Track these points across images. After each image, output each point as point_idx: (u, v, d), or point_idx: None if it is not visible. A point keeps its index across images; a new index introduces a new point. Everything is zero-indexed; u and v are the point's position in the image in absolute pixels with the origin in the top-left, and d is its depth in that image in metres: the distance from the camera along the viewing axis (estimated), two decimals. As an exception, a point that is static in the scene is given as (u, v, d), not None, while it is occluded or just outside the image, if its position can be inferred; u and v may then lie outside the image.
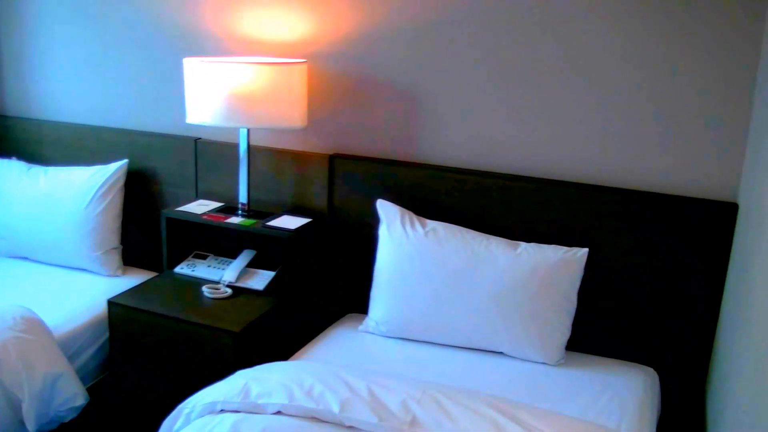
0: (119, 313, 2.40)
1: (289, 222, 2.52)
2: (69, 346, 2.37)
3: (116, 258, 2.82)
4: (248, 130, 2.52)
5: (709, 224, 2.15)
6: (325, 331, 2.41)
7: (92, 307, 2.53)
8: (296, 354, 2.23)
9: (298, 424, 1.71)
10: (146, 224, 2.91)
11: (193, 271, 2.63)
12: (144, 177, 2.89)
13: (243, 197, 2.59)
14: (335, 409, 1.70)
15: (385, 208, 2.40)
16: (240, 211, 2.59)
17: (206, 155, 2.77)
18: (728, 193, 2.16)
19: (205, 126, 2.47)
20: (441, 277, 2.24)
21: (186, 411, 1.84)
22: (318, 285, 2.63)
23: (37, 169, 2.90)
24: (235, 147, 2.60)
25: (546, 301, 2.18)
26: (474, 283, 2.21)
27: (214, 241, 2.76)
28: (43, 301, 2.47)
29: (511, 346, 2.22)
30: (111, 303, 2.42)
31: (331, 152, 2.61)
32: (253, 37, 2.64)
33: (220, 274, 2.57)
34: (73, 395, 2.25)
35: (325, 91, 2.58)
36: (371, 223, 2.44)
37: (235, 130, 2.55)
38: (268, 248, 2.65)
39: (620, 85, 2.21)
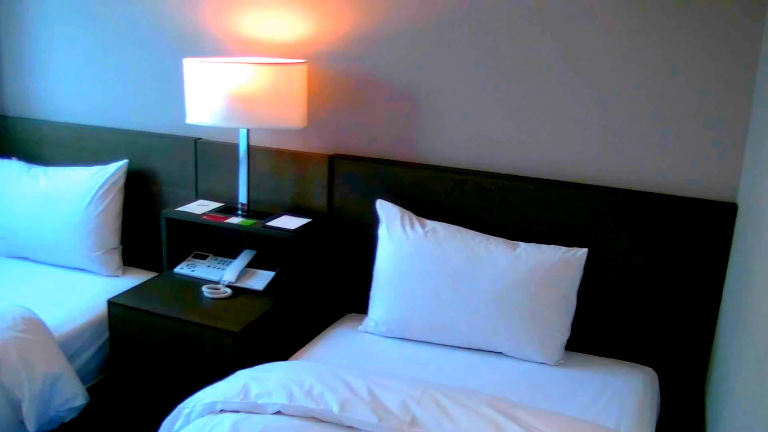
0: (119, 313, 2.40)
1: (289, 222, 2.52)
2: (69, 346, 2.37)
3: (116, 258, 2.82)
4: (248, 130, 2.52)
5: (709, 224, 2.15)
6: (325, 331, 2.41)
7: (92, 307, 2.53)
8: (296, 354, 2.24)
9: (297, 424, 1.71)
10: (146, 224, 2.91)
11: (193, 271, 2.63)
12: (144, 177, 2.89)
13: (243, 197, 2.59)
14: (335, 409, 1.70)
15: (384, 209, 2.41)
16: (240, 212, 2.59)
17: (206, 155, 2.77)
18: (728, 193, 2.16)
19: (205, 126, 2.47)
20: (441, 277, 2.24)
21: (186, 411, 1.84)
22: (318, 285, 2.63)
23: (37, 169, 2.90)
24: (235, 147, 2.60)
25: (545, 301, 2.19)
26: (474, 283, 2.21)
27: (214, 241, 2.76)
28: (43, 301, 2.47)
29: (511, 346, 2.22)
30: (111, 303, 2.42)
31: (330, 152, 2.61)
32: (253, 38, 2.64)
33: (220, 274, 2.57)
34: (73, 395, 2.25)
35: (325, 91, 2.58)
36: (371, 223, 2.45)
37: (235, 130, 2.55)
38: (268, 248, 2.65)
39: (620, 85, 2.21)
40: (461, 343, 2.27)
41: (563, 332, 2.22)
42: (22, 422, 2.13)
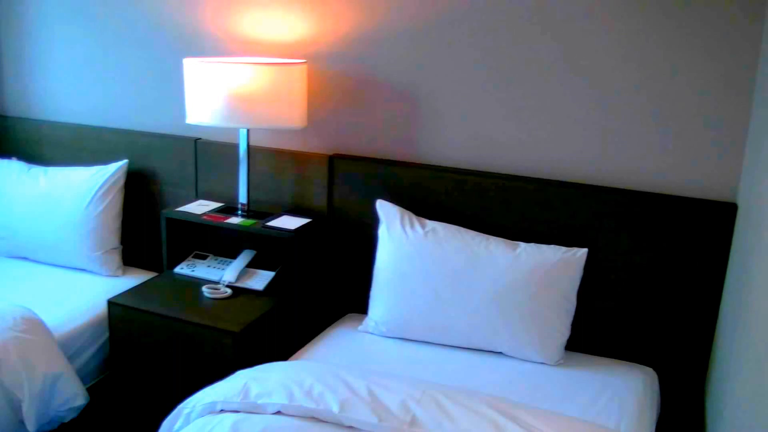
0: (119, 313, 2.40)
1: (289, 222, 2.52)
2: (69, 346, 2.37)
3: (116, 258, 2.82)
4: (248, 131, 2.52)
5: (709, 224, 2.15)
6: (325, 331, 2.41)
7: (92, 307, 2.53)
8: (296, 354, 2.24)
9: (297, 424, 1.71)
10: (146, 224, 2.91)
11: (193, 271, 2.63)
12: (144, 177, 2.89)
13: (243, 197, 2.59)
14: (335, 409, 1.70)
15: (384, 209, 2.41)
16: (240, 212, 2.59)
17: (206, 155, 2.77)
18: (728, 193, 2.16)
19: (205, 126, 2.47)
20: (441, 277, 2.24)
21: (186, 411, 1.84)
22: (318, 285, 2.63)
23: (37, 169, 2.90)
24: (235, 147, 2.60)
25: (545, 301, 2.19)
26: (474, 283, 2.21)
27: (214, 241, 2.76)
28: (43, 301, 2.47)
29: (511, 346, 2.22)
30: (111, 303, 2.42)
31: (330, 152, 2.61)
32: (253, 38, 2.64)
33: (220, 275, 2.57)
34: (73, 395, 2.25)
35: (325, 91, 2.58)
36: (371, 223, 2.45)
37: (235, 130, 2.55)
38: (268, 248, 2.65)
39: (620, 85, 2.21)
40: (461, 343, 2.27)
41: (563, 332, 2.22)
42: (22, 422, 2.13)
